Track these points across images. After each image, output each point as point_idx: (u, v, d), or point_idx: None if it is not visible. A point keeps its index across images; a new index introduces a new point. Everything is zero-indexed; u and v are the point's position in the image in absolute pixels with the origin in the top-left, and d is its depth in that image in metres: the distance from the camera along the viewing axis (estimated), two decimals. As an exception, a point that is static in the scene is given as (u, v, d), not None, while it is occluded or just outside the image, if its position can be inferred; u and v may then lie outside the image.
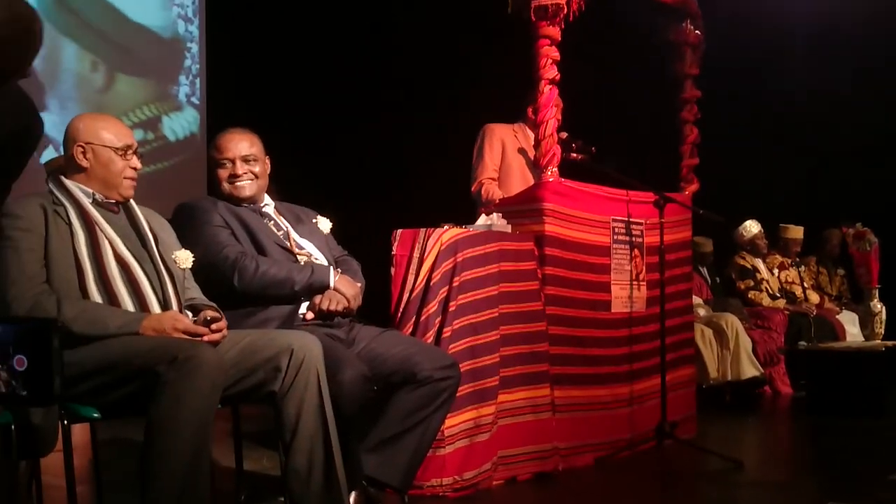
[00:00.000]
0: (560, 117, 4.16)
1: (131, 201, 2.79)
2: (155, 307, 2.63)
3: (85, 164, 2.68)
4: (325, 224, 3.33)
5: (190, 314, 2.71)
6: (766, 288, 7.14)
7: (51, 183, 2.69)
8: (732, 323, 6.31)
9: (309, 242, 3.20)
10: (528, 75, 4.08)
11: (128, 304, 2.60)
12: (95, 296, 2.55)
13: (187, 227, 2.96)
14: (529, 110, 4.61)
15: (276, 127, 6.49)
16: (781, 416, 6.14)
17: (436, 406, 2.99)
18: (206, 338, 2.54)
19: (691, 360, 4.97)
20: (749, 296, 7.05)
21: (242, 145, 3.14)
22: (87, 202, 2.66)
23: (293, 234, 3.18)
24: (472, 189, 4.68)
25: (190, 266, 2.81)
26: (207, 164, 3.30)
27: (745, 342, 6.30)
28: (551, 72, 4.03)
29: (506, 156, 4.67)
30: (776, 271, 7.40)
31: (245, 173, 3.13)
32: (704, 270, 7.12)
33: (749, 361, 6.26)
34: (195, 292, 2.84)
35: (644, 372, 4.47)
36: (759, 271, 7.20)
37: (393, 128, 7.93)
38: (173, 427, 2.34)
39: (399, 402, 2.97)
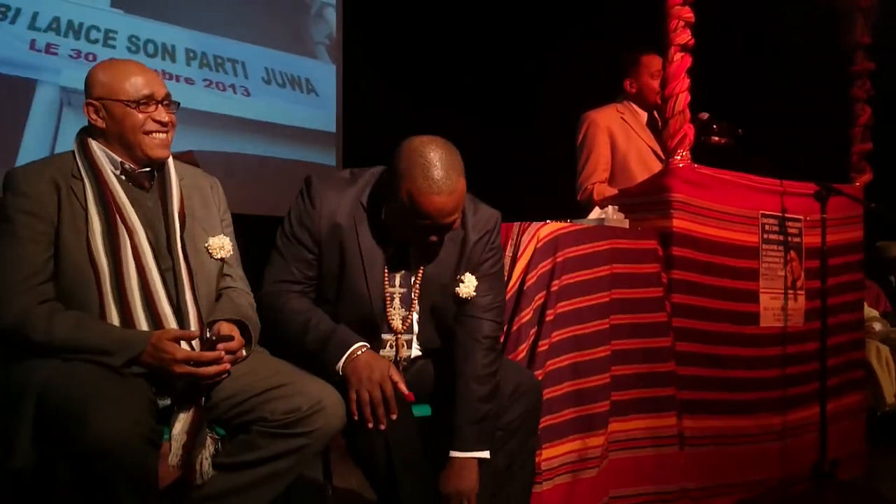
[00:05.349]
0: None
1: (169, 169, 2.31)
2: (171, 323, 2.18)
3: (101, 123, 2.24)
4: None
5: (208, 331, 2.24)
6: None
7: (76, 145, 2.26)
8: (915, 340, 5.38)
9: None
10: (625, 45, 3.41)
11: (141, 319, 2.15)
12: (111, 306, 2.13)
13: None
14: (626, 83, 4.04)
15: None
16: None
17: None
18: (202, 370, 2.10)
19: (860, 385, 4.18)
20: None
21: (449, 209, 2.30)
22: (111, 174, 2.23)
23: None
24: (578, 197, 3.96)
25: (227, 255, 2.33)
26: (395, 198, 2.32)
27: (932, 362, 5.36)
28: (683, 36, 3.39)
29: (617, 146, 3.96)
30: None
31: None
32: (893, 280, 6.17)
33: (936, 385, 5.32)
34: (237, 282, 2.38)
35: (800, 399, 3.77)
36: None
37: (508, 114, 7.14)
38: None
39: None
